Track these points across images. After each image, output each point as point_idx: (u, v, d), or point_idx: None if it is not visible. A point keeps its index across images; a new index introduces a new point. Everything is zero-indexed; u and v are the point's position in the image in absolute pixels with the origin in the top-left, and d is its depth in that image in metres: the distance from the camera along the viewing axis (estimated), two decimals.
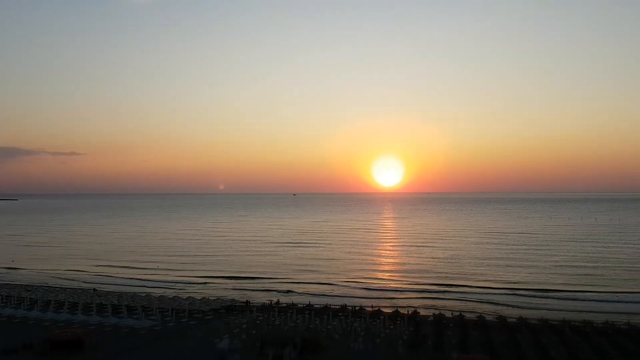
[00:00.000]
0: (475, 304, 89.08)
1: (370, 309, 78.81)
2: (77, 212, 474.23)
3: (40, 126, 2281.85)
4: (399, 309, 78.26)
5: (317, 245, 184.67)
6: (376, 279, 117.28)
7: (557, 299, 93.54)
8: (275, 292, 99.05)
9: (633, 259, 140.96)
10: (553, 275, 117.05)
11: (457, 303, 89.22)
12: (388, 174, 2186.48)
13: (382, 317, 71.40)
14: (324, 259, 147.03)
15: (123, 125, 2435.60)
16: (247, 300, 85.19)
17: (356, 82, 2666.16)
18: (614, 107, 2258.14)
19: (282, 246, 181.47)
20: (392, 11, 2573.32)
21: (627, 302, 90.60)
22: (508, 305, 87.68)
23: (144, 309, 75.64)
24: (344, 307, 78.84)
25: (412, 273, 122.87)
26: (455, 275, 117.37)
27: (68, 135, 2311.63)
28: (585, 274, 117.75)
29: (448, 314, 75.12)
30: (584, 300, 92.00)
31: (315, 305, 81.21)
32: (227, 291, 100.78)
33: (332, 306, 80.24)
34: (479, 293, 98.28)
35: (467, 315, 74.51)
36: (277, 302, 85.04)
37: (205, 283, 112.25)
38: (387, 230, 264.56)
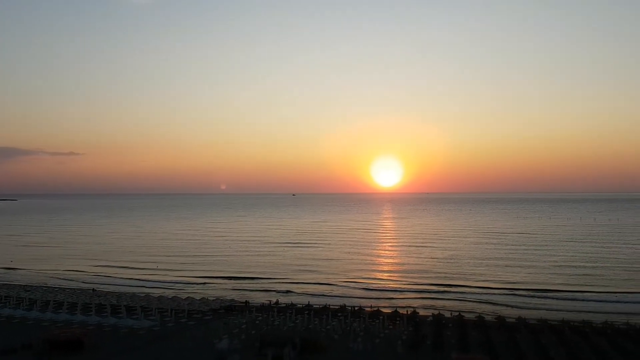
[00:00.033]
0: (475, 304, 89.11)
1: (369, 309, 78.85)
2: (76, 212, 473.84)
3: (38, 126, 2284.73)
4: (398, 309, 78.27)
5: (316, 245, 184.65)
6: (375, 279, 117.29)
7: (557, 299, 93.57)
8: (274, 292, 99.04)
9: (632, 259, 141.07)
10: (552, 275, 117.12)
11: (456, 303, 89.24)
12: (387, 174, 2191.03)
13: (381, 317, 71.41)
14: (323, 259, 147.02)
15: (122, 126, 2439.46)
16: (246, 301, 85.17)
17: (356, 82, 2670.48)
18: (614, 107, 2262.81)
19: (281, 246, 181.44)
20: (392, 11, 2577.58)
21: (626, 302, 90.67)
22: (507, 305, 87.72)
23: (143, 309, 75.61)
24: (343, 307, 78.84)
25: (411, 273, 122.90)
26: (454, 276, 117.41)
27: (67, 135, 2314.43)
28: (584, 274, 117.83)
29: (447, 314, 75.15)
30: (583, 300, 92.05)
31: (314, 306, 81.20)
32: (226, 291, 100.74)
33: (331, 306, 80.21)
34: (478, 293, 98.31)
35: (466, 316, 74.53)
36: (277, 302, 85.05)
37: (204, 283, 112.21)
38: (386, 230, 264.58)
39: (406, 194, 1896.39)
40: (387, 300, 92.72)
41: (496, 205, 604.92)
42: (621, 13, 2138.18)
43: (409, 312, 75.48)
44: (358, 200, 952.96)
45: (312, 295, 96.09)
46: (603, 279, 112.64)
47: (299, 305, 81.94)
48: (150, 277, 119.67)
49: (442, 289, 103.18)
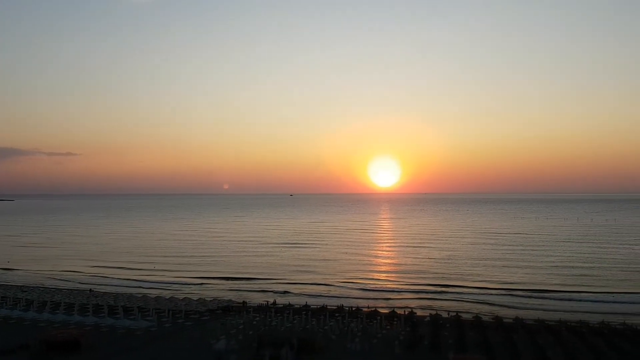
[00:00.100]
0: (472, 304, 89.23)
1: (367, 309, 78.90)
2: (74, 213, 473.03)
3: (36, 126, 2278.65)
4: (395, 310, 78.28)
5: (313, 245, 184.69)
6: (373, 279, 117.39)
7: (554, 299, 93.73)
8: (272, 293, 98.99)
9: (629, 260, 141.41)
10: (549, 275, 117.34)
11: (454, 303, 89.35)
12: (385, 174, 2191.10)
13: (378, 317, 71.43)
14: (321, 260, 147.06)
15: (120, 126, 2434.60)
16: (243, 301, 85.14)
17: (356, 82, 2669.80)
18: (614, 107, 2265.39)
19: (279, 247, 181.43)
20: (392, 11, 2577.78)
21: (623, 302, 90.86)
22: (504, 306, 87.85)
23: (141, 309, 75.45)
24: (340, 308, 78.87)
25: (408, 273, 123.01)
26: (451, 276, 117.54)
27: (64, 135, 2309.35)
28: (581, 275, 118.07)
29: (444, 315, 75.17)
30: (580, 300, 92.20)
31: (312, 306, 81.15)
32: (223, 292, 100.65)
33: (329, 307, 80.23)
34: (476, 293, 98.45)
35: (464, 316, 74.63)
36: (274, 303, 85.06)
37: (201, 284, 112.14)
38: (383, 230, 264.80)
39: (404, 194, 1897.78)
40: (385, 301, 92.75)
41: (493, 206, 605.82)
42: (621, 13, 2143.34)
43: (406, 313, 75.53)
44: (356, 201, 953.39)
45: (310, 295, 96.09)
46: (600, 279, 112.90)
47: (296, 306, 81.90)
48: (147, 278, 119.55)
49: (439, 289, 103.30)
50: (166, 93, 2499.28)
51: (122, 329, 66.04)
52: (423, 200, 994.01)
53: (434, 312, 76.76)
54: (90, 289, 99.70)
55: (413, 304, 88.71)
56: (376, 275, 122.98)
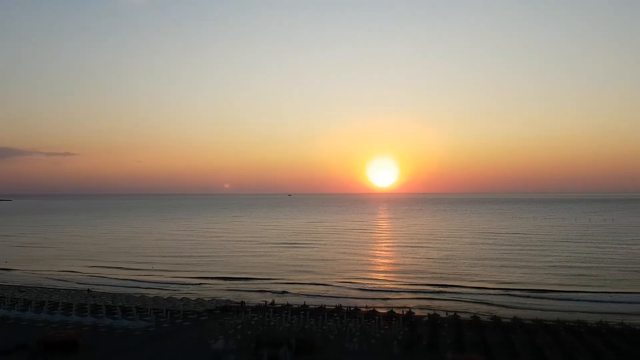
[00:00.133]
0: (470, 304, 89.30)
1: (365, 309, 78.91)
2: (71, 213, 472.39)
3: (34, 126, 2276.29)
4: (394, 310, 78.33)
5: (312, 245, 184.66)
6: (371, 279, 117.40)
7: (552, 299, 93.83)
8: (270, 293, 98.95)
9: (627, 259, 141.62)
10: (547, 275, 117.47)
11: (452, 303, 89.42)
12: (383, 174, 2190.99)
13: (377, 317, 71.46)
14: (319, 260, 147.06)
15: (118, 126, 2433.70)
16: (242, 301, 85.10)
17: (355, 82, 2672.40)
18: (614, 107, 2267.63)
19: (277, 247, 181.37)
20: (392, 11, 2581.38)
21: (620, 302, 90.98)
22: (502, 306, 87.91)
23: (138, 309, 75.40)
24: (339, 308, 78.88)
25: (407, 273, 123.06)
26: (450, 276, 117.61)
27: (62, 135, 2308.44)
28: (579, 274, 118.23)
29: (443, 314, 75.25)
30: (578, 300, 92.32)
31: (310, 306, 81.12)
32: (221, 292, 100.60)
33: (327, 307, 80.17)
34: (474, 293, 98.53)
35: (462, 316, 74.64)
36: (272, 303, 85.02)
37: (199, 284, 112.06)
38: (382, 230, 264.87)
39: (402, 194, 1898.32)
40: (383, 301, 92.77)
41: (492, 206, 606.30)
42: (621, 13, 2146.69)
43: (404, 313, 75.56)
44: (354, 201, 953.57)
45: (308, 295, 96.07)
46: (598, 279, 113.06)
47: (294, 306, 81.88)
48: (145, 278, 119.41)
49: (437, 289, 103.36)
50: (165, 93, 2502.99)
51: (120, 329, 65.99)
52: (421, 200, 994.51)
53: (432, 312, 76.79)
54: (88, 289, 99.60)
55: (411, 303, 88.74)
56: (374, 275, 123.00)
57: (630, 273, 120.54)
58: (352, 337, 61.09)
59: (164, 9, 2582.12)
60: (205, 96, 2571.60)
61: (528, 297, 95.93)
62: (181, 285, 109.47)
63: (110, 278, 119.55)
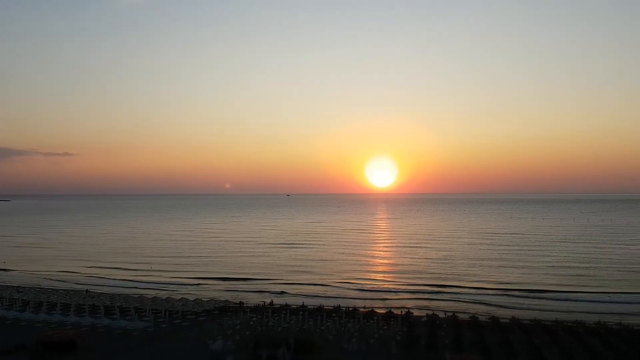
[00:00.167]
0: (468, 304, 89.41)
1: (363, 309, 78.95)
2: (70, 213, 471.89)
3: (33, 126, 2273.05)
4: (392, 310, 78.38)
5: (310, 246, 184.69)
6: (370, 279, 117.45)
7: (550, 299, 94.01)
8: (268, 293, 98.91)
9: (625, 260, 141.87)
10: (545, 275, 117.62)
11: (450, 303, 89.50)
12: (382, 175, 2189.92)
13: (375, 317, 71.47)
14: (318, 260, 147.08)
15: (117, 126, 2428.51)
16: (240, 301, 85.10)
17: (355, 82, 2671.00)
18: (614, 107, 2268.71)
19: (276, 247, 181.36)
20: (392, 11, 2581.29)
21: (619, 302, 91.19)
22: (501, 306, 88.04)
23: (137, 310, 75.37)
24: (337, 308, 78.90)
25: (405, 274, 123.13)
26: (448, 276, 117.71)
27: (61, 135, 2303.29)
28: (577, 275, 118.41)
29: (441, 315, 75.35)
30: (576, 300, 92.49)
31: (309, 306, 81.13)
32: (220, 292, 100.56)
33: (325, 307, 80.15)
34: (472, 294, 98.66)
35: (460, 316, 74.75)
36: (271, 303, 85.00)
37: (198, 284, 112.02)
38: (380, 231, 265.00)
39: (401, 194, 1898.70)
40: (382, 301, 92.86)
41: (490, 206, 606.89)
42: (621, 13, 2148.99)
43: (403, 313, 75.63)
44: (352, 201, 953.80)
45: (307, 296, 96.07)
46: (596, 279, 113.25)
47: (293, 306, 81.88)
48: (144, 278, 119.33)
49: (436, 289, 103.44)
50: (165, 93, 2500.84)
51: (119, 329, 65.96)
52: (420, 200, 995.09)
53: (430, 312, 76.88)
54: (87, 290, 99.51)
55: (410, 304, 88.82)
56: (373, 276, 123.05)
57: (629, 273, 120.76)
58: (351, 338, 61.13)
59: (164, 9, 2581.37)
60: (205, 96, 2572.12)
61: (526, 297, 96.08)
62: (180, 286, 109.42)
63: (109, 278, 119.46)
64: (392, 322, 69.72)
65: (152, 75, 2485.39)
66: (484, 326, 68.20)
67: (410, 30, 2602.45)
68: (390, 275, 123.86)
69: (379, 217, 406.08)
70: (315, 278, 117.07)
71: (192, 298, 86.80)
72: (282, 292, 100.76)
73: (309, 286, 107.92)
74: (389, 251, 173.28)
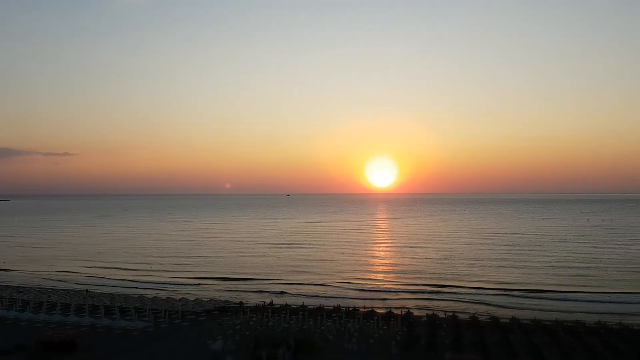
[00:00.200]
0: (468, 304, 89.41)
1: (363, 309, 78.95)
2: (70, 213, 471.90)
3: (33, 126, 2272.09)
4: (392, 310, 78.39)
5: (310, 246, 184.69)
6: (370, 279, 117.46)
7: (550, 299, 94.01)
8: (268, 293, 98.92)
9: (625, 260, 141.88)
10: (545, 275, 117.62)
11: (450, 303, 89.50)
12: (382, 175, 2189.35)
13: (375, 317, 71.48)
14: (318, 260, 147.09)
15: (117, 126, 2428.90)
16: (240, 301, 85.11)
17: (355, 82, 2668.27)
18: (614, 107, 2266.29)
19: (276, 247, 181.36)
20: (392, 11, 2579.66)
21: (619, 302, 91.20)
22: (501, 306, 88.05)
23: (137, 310, 75.39)
24: (337, 308, 78.90)
25: (405, 274, 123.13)
26: (448, 276, 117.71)
27: (61, 135, 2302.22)
28: (577, 275, 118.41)
29: (441, 315, 75.36)
30: (576, 300, 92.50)
31: (308, 306, 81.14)
32: (220, 292, 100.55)
33: (325, 307, 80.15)
34: (472, 294, 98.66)
35: (460, 316, 74.76)
36: (271, 303, 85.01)
37: (198, 284, 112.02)
38: (380, 231, 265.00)
39: (401, 194, 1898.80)
40: (382, 301, 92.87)
41: (490, 206, 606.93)
42: (621, 13, 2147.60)
43: (403, 313, 75.64)
44: (352, 201, 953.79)
45: (307, 296, 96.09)
46: (596, 279, 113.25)
47: (293, 306, 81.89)
48: (144, 278, 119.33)
49: (436, 289, 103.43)
50: (165, 93, 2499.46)
51: (119, 329, 65.97)
52: (420, 200, 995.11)
53: (430, 312, 76.89)
54: (87, 290, 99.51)
55: (410, 304, 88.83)
56: (373, 276, 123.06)
57: (629, 273, 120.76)
58: (351, 338, 61.15)
59: (164, 9, 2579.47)
60: (205, 96, 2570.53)
61: (526, 297, 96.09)
62: (180, 286, 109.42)
63: (109, 278, 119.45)
64: (392, 322, 69.74)
65: (152, 75, 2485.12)
66: (484, 326, 68.22)
67: (410, 30, 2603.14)
68: (390, 275, 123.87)
69: (379, 217, 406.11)
70: (315, 278, 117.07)
71: (192, 298, 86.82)
72: (282, 292, 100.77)
73: (309, 286, 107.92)
74: (389, 251, 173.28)
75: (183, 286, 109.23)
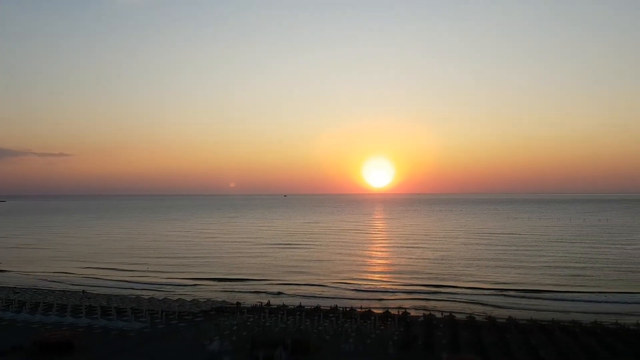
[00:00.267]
0: (465, 304, 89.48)
1: (360, 309, 78.94)
2: (66, 214, 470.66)
3: (28, 127, 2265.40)
4: (389, 310, 78.42)
5: (307, 246, 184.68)
6: (367, 280, 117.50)
7: (546, 299, 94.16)
8: (265, 294, 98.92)
9: (621, 260, 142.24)
10: (542, 275, 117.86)
11: (447, 304, 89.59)
12: (379, 175, 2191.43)
13: (372, 317, 71.52)
14: (315, 260, 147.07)
15: (113, 126, 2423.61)
16: (237, 302, 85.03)
17: (354, 82, 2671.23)
18: (614, 107, 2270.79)
19: (273, 247, 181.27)
20: (392, 11, 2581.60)
21: (615, 302, 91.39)
22: (497, 306, 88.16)
23: (134, 311, 75.27)
24: (334, 308, 78.88)
25: (402, 274, 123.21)
26: (445, 276, 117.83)
27: (57, 136, 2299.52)
28: (573, 275, 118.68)
29: (438, 315, 75.44)
30: (572, 300, 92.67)
31: (306, 307, 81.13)
32: (217, 293, 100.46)
33: (322, 307, 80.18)
34: (469, 294, 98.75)
35: (457, 316, 74.86)
36: (268, 304, 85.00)
37: (195, 285, 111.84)
38: (377, 231, 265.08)
39: (398, 194, 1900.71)
40: (379, 301, 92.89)
41: (487, 206, 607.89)
42: (621, 13, 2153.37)
43: (400, 313, 75.68)
44: (349, 201, 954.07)
45: (304, 296, 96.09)
46: (592, 279, 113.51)
47: (290, 307, 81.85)
48: (140, 279, 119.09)
49: (433, 289, 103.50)
50: (164, 93, 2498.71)
51: (115, 330, 65.85)
52: (417, 200, 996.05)
53: (427, 313, 76.95)
54: (83, 290, 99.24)
55: (407, 304, 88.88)
56: (370, 276, 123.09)
57: (625, 273, 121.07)
58: (348, 338, 61.16)
59: (164, 9, 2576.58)
60: (205, 96, 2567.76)
61: (523, 297, 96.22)
62: (176, 287, 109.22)
63: (105, 279, 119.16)
64: (389, 322, 69.77)
65: (151, 75, 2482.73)
66: (480, 326, 68.32)
67: (410, 30, 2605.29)
68: (388, 275, 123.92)
69: (376, 217, 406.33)
70: (312, 278, 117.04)
71: (189, 299, 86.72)
72: (279, 293, 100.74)
73: (306, 286, 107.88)
74: (386, 251, 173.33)
75: (180, 287, 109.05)
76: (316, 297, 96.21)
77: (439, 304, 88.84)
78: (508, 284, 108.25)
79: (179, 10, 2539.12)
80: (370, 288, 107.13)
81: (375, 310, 79.12)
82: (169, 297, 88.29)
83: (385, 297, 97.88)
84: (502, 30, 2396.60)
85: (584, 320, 72.14)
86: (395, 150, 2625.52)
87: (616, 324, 69.48)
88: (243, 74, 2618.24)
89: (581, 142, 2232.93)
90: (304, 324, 68.88)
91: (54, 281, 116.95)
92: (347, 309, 78.29)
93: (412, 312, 78.70)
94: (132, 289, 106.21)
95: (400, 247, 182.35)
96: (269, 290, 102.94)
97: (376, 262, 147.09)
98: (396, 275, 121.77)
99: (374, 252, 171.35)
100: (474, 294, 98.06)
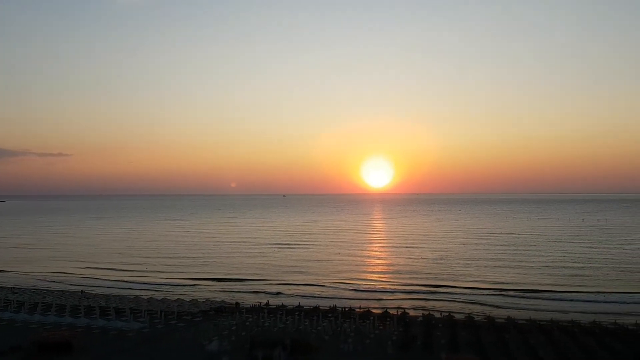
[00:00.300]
0: (464, 304, 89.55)
1: (359, 310, 79.00)
2: (65, 214, 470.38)
3: (27, 127, 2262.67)
4: (388, 310, 78.46)
5: (306, 246, 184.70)
6: (366, 280, 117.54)
7: (545, 299, 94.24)
8: (264, 294, 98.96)
9: (619, 259, 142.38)
10: (541, 275, 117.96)
11: (446, 304, 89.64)
12: (378, 175, 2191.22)
13: (371, 317, 71.57)
14: (314, 260, 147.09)
15: (112, 126, 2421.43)
16: (236, 302, 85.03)
17: (354, 82, 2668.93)
18: (614, 107, 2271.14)
19: (272, 247, 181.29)
20: (392, 11, 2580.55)
21: (614, 302, 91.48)
22: (496, 306, 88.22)
23: (132, 311, 75.23)
24: (333, 308, 78.92)
25: (401, 274, 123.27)
26: (444, 276, 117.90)
27: (56, 136, 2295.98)
28: (572, 275, 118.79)
29: (437, 315, 75.45)
30: (571, 300, 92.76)
31: (304, 307, 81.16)
32: (216, 293, 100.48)
33: (321, 307, 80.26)
34: (468, 294, 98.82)
35: (456, 316, 74.94)
36: (267, 304, 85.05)
37: (194, 285, 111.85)
38: (376, 231, 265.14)
39: (397, 194, 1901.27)
40: (378, 301, 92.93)
41: (486, 206, 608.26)
42: (621, 13, 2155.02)
43: (399, 313, 75.74)
44: (348, 201, 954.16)
45: (303, 296, 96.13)
46: (591, 279, 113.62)
47: (289, 307, 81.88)
48: (139, 279, 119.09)
49: (432, 289, 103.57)
50: (163, 93, 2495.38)
51: (114, 330, 65.83)
52: (416, 200, 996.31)
53: (426, 312, 77.00)
54: (82, 291, 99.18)
55: (406, 304, 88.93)
56: (369, 276, 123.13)
57: (624, 273, 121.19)
58: (347, 338, 61.19)
59: (164, 9, 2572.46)
60: (205, 96, 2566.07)
61: (522, 297, 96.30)
62: (175, 287, 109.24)
63: (104, 279, 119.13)
64: (388, 322, 69.80)
65: (151, 75, 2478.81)
66: (479, 326, 68.36)
67: (410, 30, 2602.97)
68: (386, 275, 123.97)
69: (375, 217, 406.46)
70: (311, 278, 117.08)
71: (187, 299, 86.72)
72: (278, 293, 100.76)
73: (305, 287, 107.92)
74: (385, 251, 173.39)
75: (179, 287, 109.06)
76: (315, 297, 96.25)
77: (437, 304, 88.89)
78: (507, 284, 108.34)
79: (179, 10, 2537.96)
80: (369, 288, 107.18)
81: (374, 310, 79.20)
82: (168, 297, 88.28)
83: (384, 297, 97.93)
84: (502, 30, 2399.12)
85: (583, 320, 72.23)
86: (395, 150, 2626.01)
87: (615, 323, 69.57)
88: (243, 74, 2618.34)
89: (581, 142, 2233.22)
90: (303, 324, 68.89)
91: (53, 281, 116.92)
92: (346, 309, 78.31)
93: (411, 312, 78.74)
94: (131, 289, 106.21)
95: (399, 247, 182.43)
96: (268, 291, 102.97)
97: (375, 262, 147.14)
98: (395, 275, 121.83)
99: (373, 252, 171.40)
100: (473, 294, 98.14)
